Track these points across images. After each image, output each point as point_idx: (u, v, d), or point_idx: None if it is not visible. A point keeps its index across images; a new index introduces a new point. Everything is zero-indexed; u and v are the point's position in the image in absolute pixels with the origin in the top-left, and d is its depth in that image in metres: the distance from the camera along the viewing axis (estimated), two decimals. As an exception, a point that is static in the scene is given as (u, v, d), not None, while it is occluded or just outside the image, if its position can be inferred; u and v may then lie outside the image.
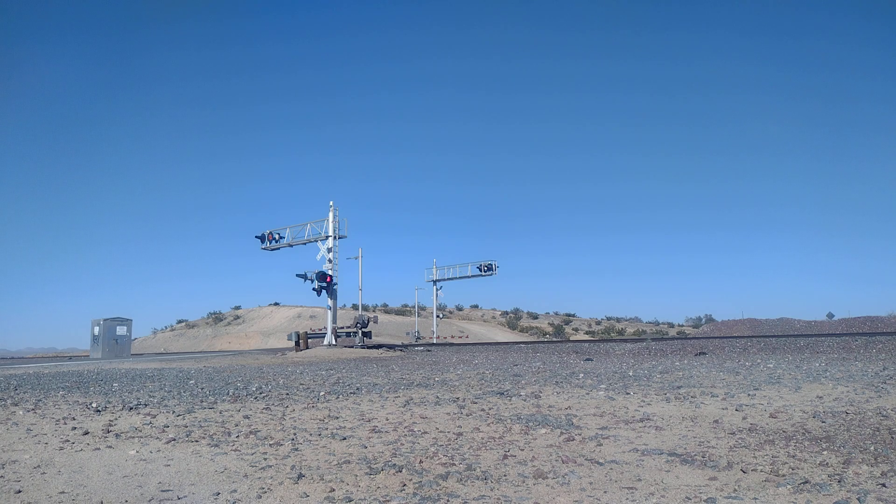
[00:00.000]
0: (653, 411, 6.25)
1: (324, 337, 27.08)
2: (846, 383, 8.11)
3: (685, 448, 4.49)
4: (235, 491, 3.57)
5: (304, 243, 27.75)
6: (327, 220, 26.57)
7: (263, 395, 8.43)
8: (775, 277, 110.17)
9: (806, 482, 3.47)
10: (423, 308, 52.47)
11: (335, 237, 26.41)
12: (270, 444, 4.88)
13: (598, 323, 78.91)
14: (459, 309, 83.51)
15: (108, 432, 5.49)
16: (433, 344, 37.26)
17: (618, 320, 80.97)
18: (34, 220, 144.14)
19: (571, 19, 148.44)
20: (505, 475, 3.84)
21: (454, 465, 4.12)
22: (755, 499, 3.25)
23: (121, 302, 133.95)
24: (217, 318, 77.85)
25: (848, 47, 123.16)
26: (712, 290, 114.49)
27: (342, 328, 27.64)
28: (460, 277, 42.91)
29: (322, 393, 8.57)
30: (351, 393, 8.57)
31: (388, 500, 3.35)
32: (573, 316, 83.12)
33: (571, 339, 57.94)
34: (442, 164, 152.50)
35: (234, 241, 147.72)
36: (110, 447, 4.87)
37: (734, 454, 4.24)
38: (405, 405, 7.15)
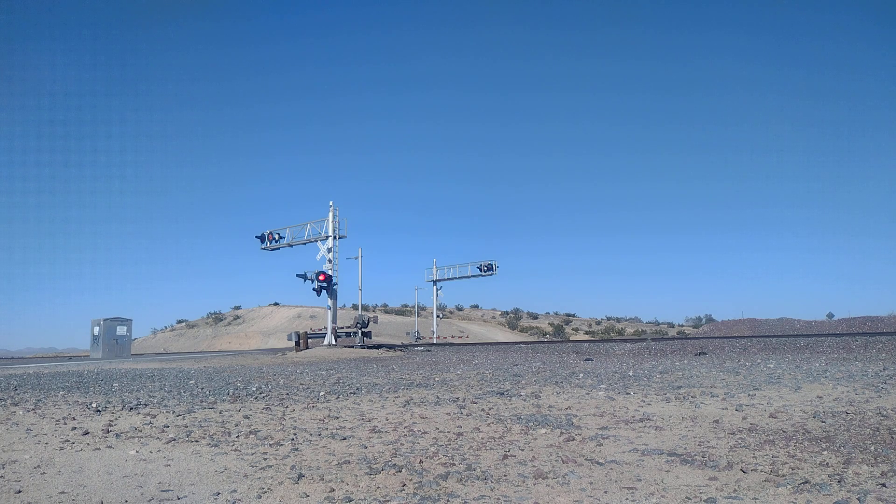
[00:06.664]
0: (653, 411, 6.25)
1: (324, 337, 27.08)
2: (846, 383, 8.11)
3: (685, 448, 4.49)
4: (235, 491, 3.57)
5: (304, 243, 27.75)
6: (327, 220, 26.57)
7: (263, 395, 8.42)
8: (775, 277, 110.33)
9: (806, 482, 3.47)
10: (423, 308, 52.51)
11: (335, 237, 26.41)
12: (270, 444, 4.88)
13: (598, 323, 78.93)
14: (459, 309, 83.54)
15: (108, 432, 5.49)
16: (433, 344, 37.25)
17: (618, 320, 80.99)
18: (34, 219, 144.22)
19: (571, 19, 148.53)
20: (505, 475, 3.84)
21: (454, 465, 4.12)
22: (755, 499, 3.25)
23: (121, 302, 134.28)
24: (217, 318, 77.87)
25: (848, 47, 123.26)
26: (712, 290, 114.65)
27: (342, 328, 27.64)
28: (460, 277, 42.93)
29: (322, 393, 8.57)
30: (351, 393, 8.57)
31: (388, 500, 3.35)
32: (573, 316, 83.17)
33: (571, 339, 57.94)
34: (442, 164, 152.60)
35: (234, 241, 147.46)
36: (110, 447, 4.87)
37: (734, 454, 4.24)
38: (405, 405, 7.15)
